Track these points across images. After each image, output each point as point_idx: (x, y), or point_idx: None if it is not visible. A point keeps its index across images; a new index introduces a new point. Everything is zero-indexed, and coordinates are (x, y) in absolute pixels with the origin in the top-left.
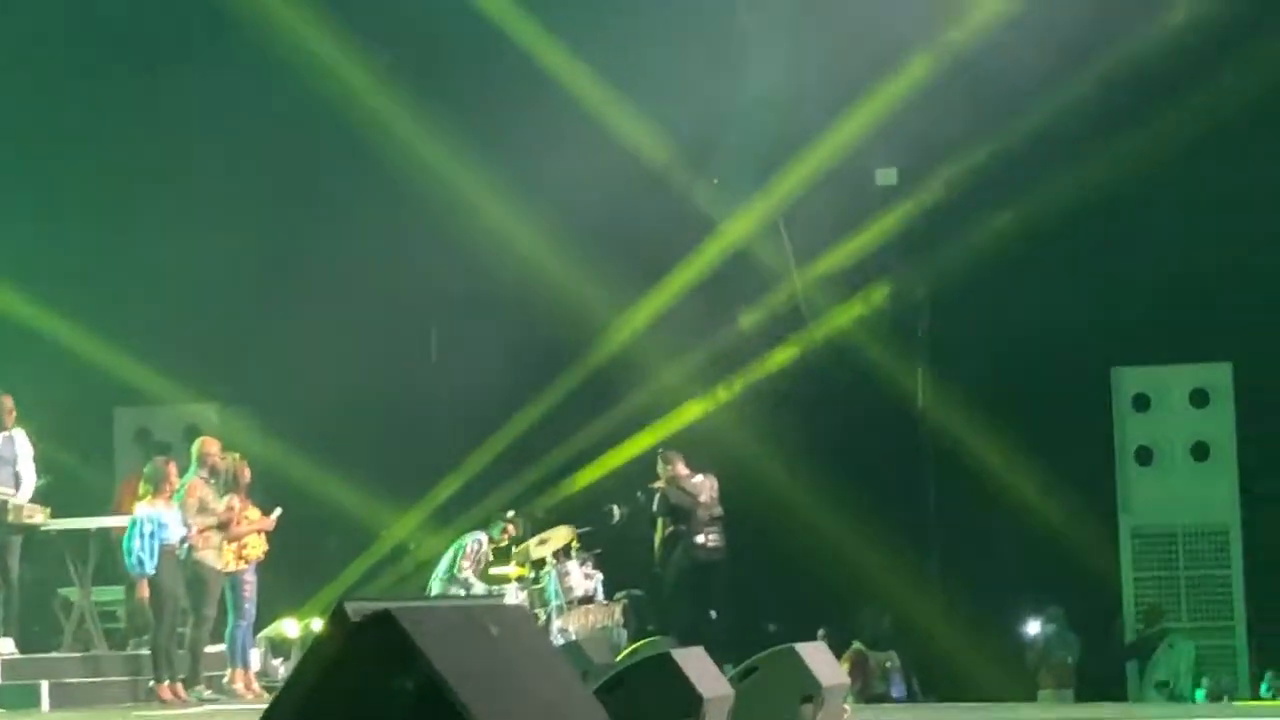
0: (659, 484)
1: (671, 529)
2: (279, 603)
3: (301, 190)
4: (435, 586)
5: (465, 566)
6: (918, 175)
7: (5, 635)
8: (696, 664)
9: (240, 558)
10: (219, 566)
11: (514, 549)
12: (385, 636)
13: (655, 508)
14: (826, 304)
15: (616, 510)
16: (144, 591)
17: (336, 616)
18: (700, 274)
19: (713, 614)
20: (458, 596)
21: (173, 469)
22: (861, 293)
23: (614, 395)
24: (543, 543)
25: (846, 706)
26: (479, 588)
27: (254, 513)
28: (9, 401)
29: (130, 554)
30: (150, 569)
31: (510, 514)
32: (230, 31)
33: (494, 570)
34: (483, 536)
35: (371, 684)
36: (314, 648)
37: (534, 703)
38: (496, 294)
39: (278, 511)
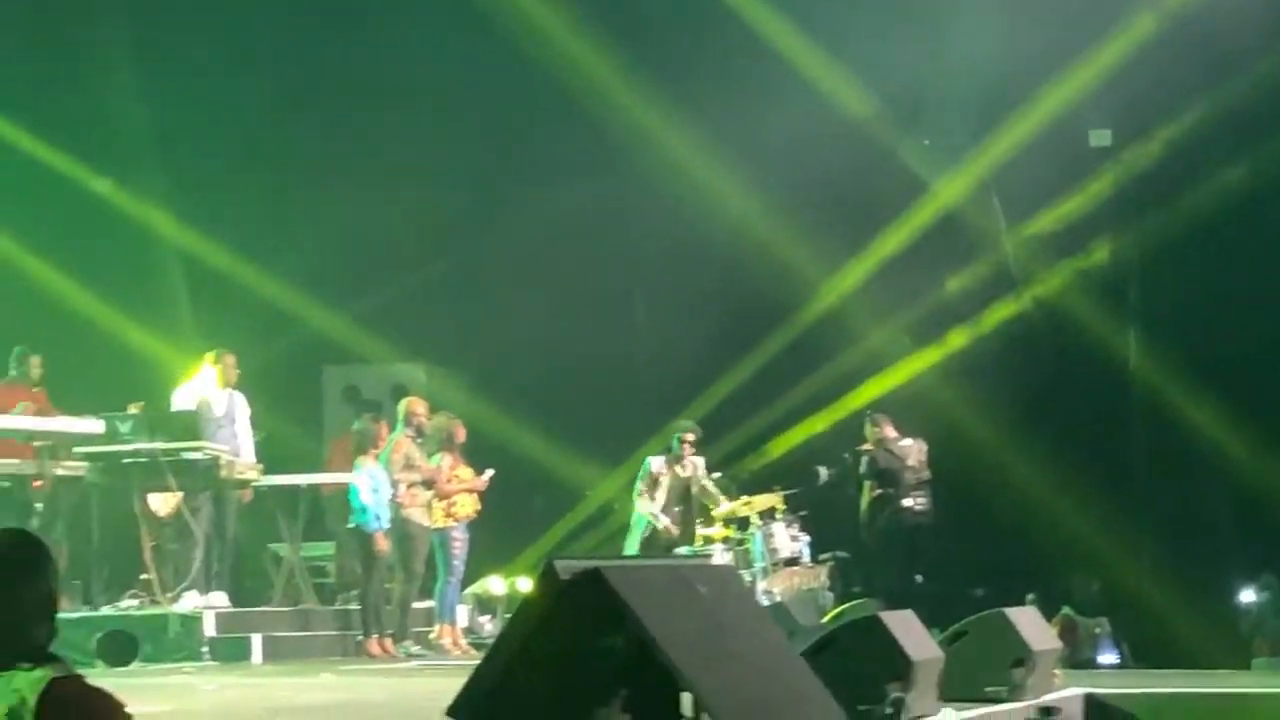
0: (866, 447)
1: (879, 492)
2: (485, 561)
3: (511, 150)
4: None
5: (641, 489)
6: (1132, 136)
7: (218, 589)
8: (905, 627)
9: (449, 515)
10: (427, 524)
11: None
12: (595, 595)
13: (863, 470)
14: (1037, 266)
15: (823, 471)
16: (382, 546)
17: (547, 575)
18: (910, 235)
19: (919, 578)
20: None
21: (384, 428)
22: (1073, 255)
23: (821, 357)
24: (748, 504)
25: (1057, 672)
26: (647, 506)
27: (466, 472)
28: (232, 359)
29: (365, 510)
30: (386, 524)
31: (686, 424)
32: None
33: (700, 531)
34: (654, 459)
35: (580, 642)
36: (524, 605)
37: (742, 662)
38: (703, 254)
39: (489, 473)
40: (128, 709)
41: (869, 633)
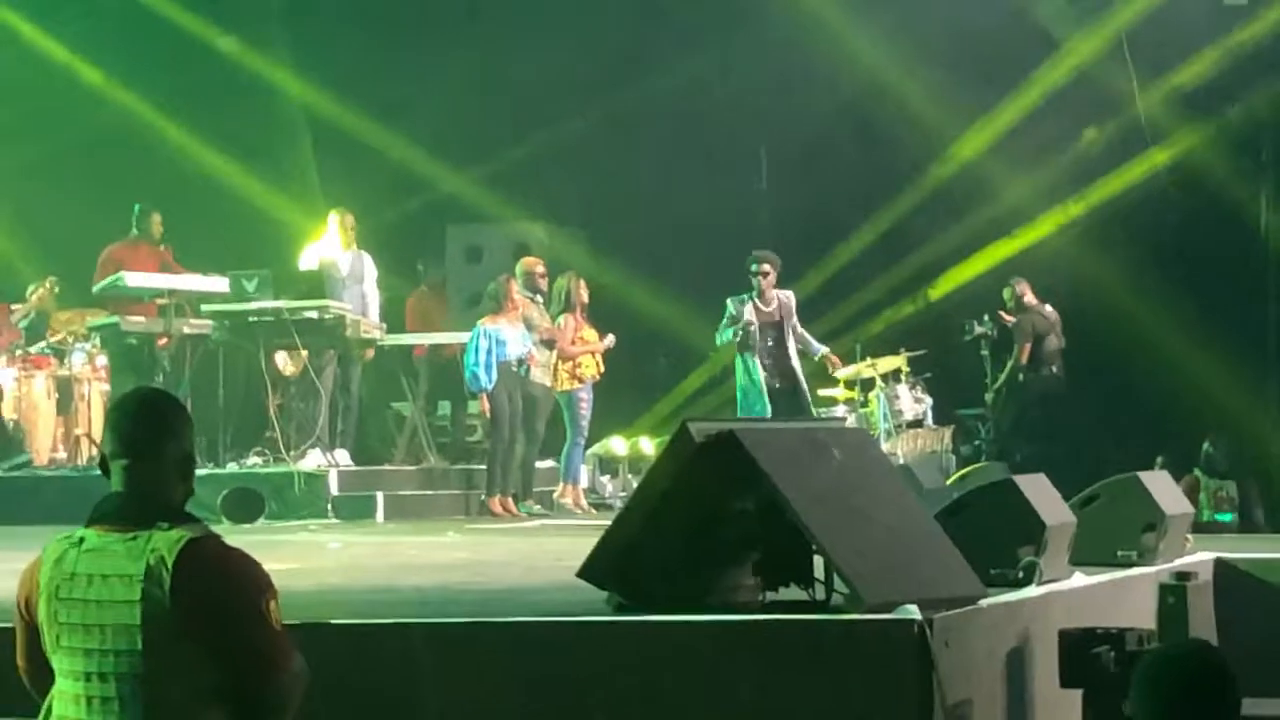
0: (1007, 314)
1: (1032, 354)
2: (607, 421)
3: (637, 8)
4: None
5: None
6: None
7: (343, 448)
8: (1038, 490)
9: (574, 377)
10: (548, 384)
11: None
12: (728, 456)
13: (1022, 331)
14: (1170, 126)
15: (976, 326)
16: (484, 406)
17: (680, 437)
18: (1043, 93)
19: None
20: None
21: (513, 286)
22: (1207, 115)
23: (951, 217)
24: (873, 365)
25: (1189, 537)
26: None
27: (590, 333)
28: (351, 219)
29: (468, 369)
30: (488, 384)
31: (759, 253)
32: None
33: (823, 391)
34: (733, 299)
35: (713, 503)
36: (656, 467)
37: (875, 525)
38: (831, 112)
39: (610, 338)
40: (261, 565)
41: (1003, 496)
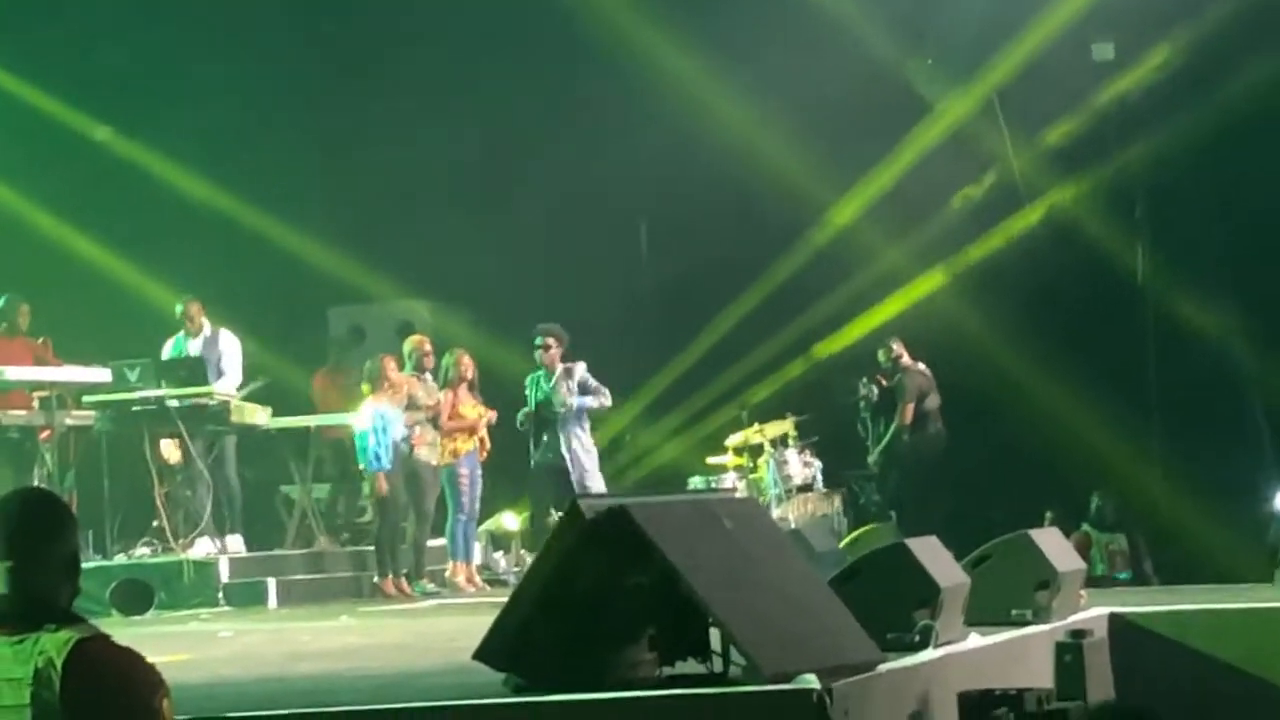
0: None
1: (915, 414)
2: (499, 497)
3: (510, 82)
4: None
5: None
6: (1136, 49)
7: (231, 534)
8: (930, 552)
9: (451, 453)
10: (434, 462)
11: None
12: (620, 531)
13: (906, 391)
14: (1044, 183)
15: (860, 388)
16: (381, 485)
17: (571, 513)
18: (917, 155)
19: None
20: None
21: (390, 364)
22: (1079, 171)
23: (831, 281)
24: (760, 431)
25: (1082, 592)
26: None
27: (470, 409)
28: (196, 306)
29: (365, 450)
30: (387, 464)
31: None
32: None
33: (711, 459)
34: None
35: (607, 579)
36: (549, 543)
37: (770, 594)
38: (708, 180)
39: (490, 415)
40: (152, 663)
41: (895, 560)
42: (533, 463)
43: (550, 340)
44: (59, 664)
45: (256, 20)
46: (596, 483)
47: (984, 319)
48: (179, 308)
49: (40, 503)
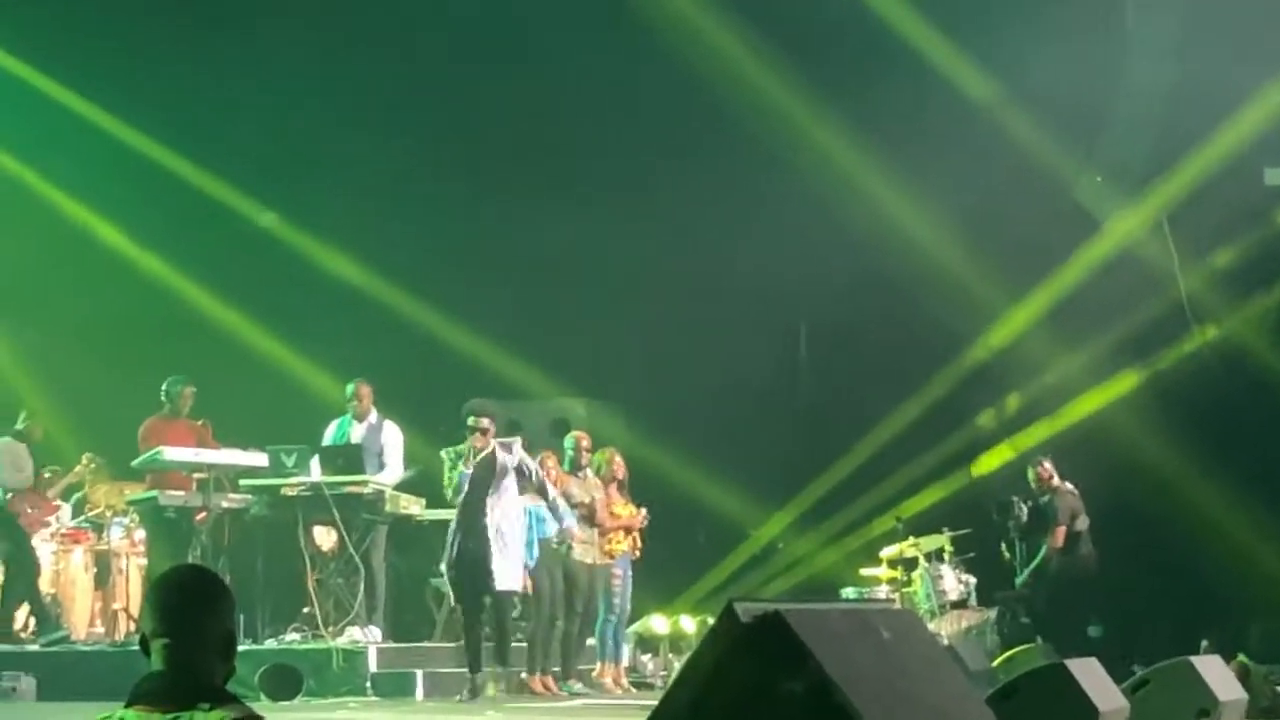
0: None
1: (1067, 535)
2: (648, 598)
3: (672, 177)
4: None
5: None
6: None
7: (380, 624)
8: (1090, 675)
9: (606, 553)
10: (588, 561)
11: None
12: (775, 638)
13: (1057, 513)
14: (1212, 305)
15: (1018, 505)
16: (527, 583)
17: (726, 617)
18: (1084, 271)
19: (1091, 630)
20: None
21: (546, 461)
22: (1248, 294)
23: (992, 396)
24: (915, 545)
25: None
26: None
27: (625, 509)
28: (367, 389)
29: None
30: (530, 561)
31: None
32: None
33: (865, 570)
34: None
35: (759, 685)
36: (701, 648)
37: (926, 709)
38: (871, 288)
39: (643, 513)
40: None
41: (1055, 681)
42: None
43: (485, 421)
44: None
45: (426, 115)
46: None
47: (1146, 440)
48: (349, 388)
49: (200, 580)
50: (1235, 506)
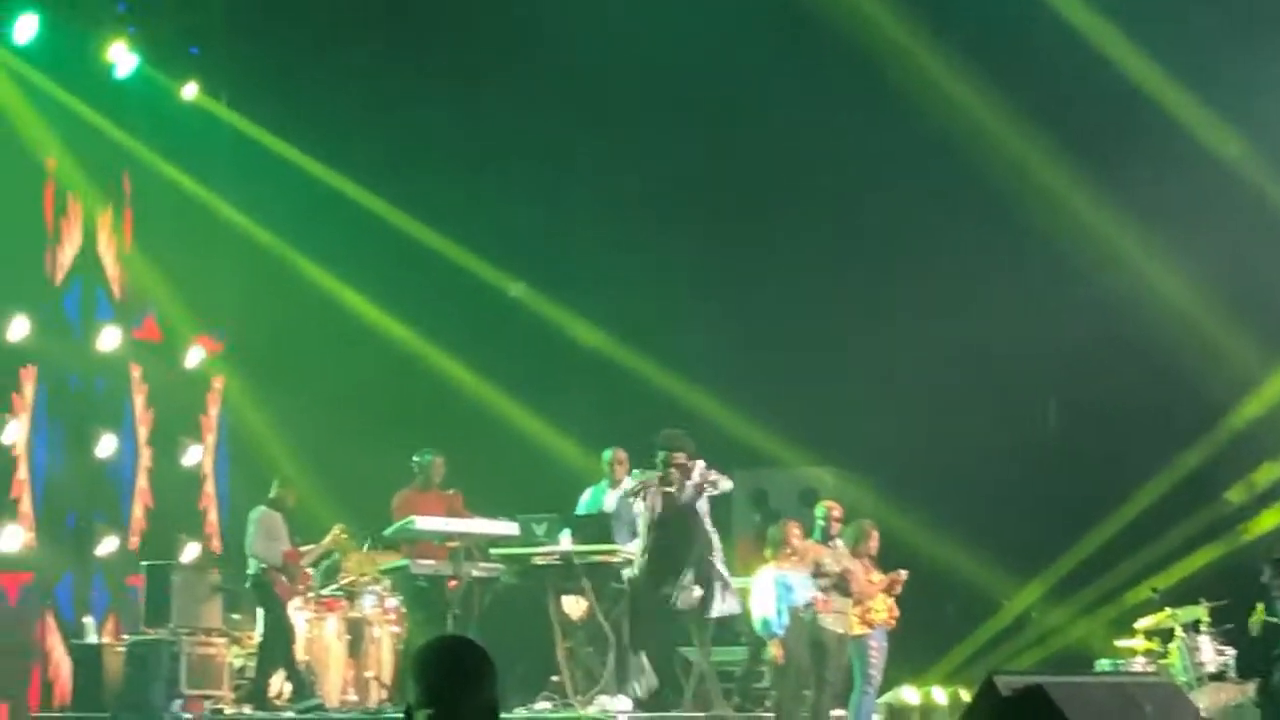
0: None
1: None
2: (898, 669)
3: (923, 241)
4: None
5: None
6: None
7: (630, 694)
8: None
9: (865, 622)
10: (841, 630)
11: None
12: (1037, 711)
13: None
14: None
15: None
16: (777, 652)
17: (987, 690)
18: None
19: None
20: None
21: (794, 530)
22: None
23: (1249, 465)
24: (1172, 616)
25: None
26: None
27: (877, 577)
28: (623, 455)
29: (759, 614)
30: (778, 629)
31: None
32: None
33: (1120, 642)
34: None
35: None
36: (964, 717)
37: None
38: (1123, 356)
39: (903, 573)
40: None
41: None
42: None
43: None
44: None
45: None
46: None
47: None
48: (606, 454)
49: (463, 651)
50: None
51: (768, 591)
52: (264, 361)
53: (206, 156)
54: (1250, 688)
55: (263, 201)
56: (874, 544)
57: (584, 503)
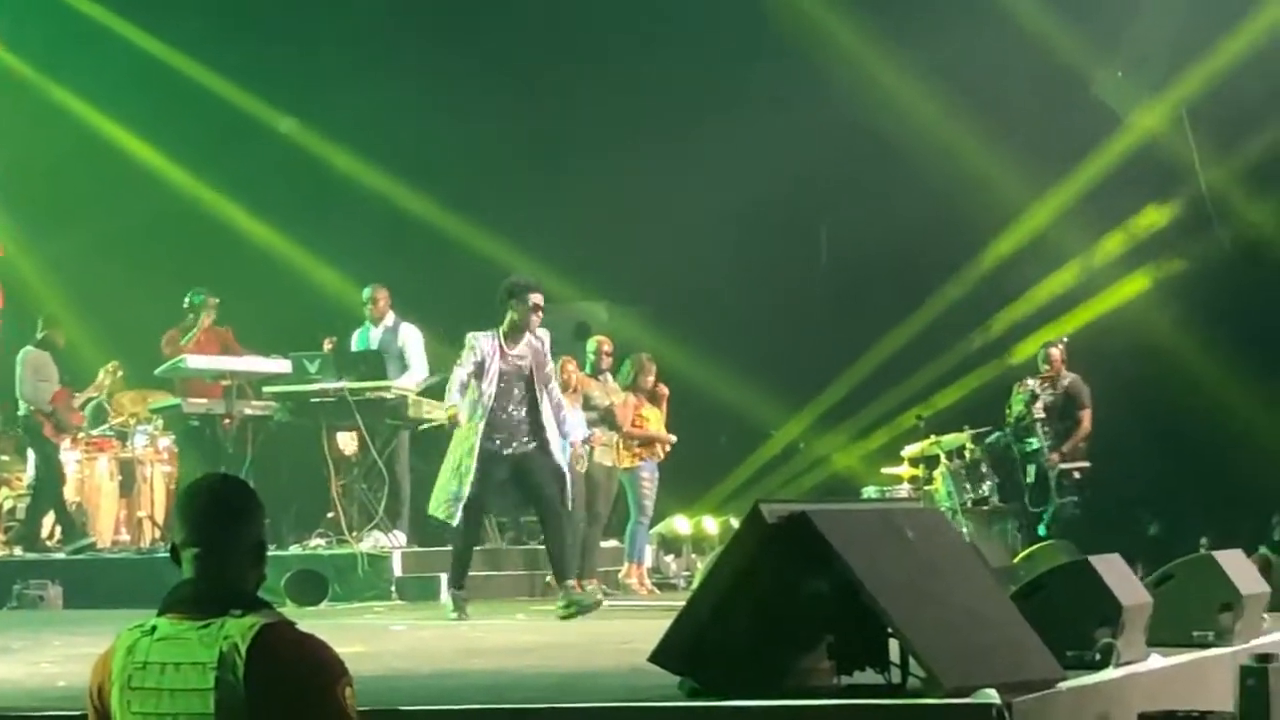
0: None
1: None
2: (670, 500)
3: (699, 75)
4: None
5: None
6: None
7: (404, 528)
8: (1114, 571)
9: (635, 455)
10: (609, 463)
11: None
12: (801, 538)
13: (1085, 397)
14: (1236, 201)
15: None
16: None
17: (752, 518)
18: (1105, 168)
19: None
20: None
21: (569, 366)
22: (1270, 189)
23: (1011, 294)
24: (937, 443)
25: (1265, 616)
26: None
27: (652, 412)
28: (383, 292)
29: None
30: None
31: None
32: None
33: (886, 469)
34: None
35: (785, 586)
36: (728, 547)
37: (951, 607)
38: (892, 188)
39: (670, 438)
40: (336, 651)
41: (1078, 577)
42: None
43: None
44: (244, 649)
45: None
46: None
47: (1170, 336)
48: (366, 292)
49: (230, 489)
50: (1257, 401)
51: None
52: (32, 204)
53: None
54: (1011, 511)
55: (28, 39)
56: (651, 378)
57: (354, 344)
